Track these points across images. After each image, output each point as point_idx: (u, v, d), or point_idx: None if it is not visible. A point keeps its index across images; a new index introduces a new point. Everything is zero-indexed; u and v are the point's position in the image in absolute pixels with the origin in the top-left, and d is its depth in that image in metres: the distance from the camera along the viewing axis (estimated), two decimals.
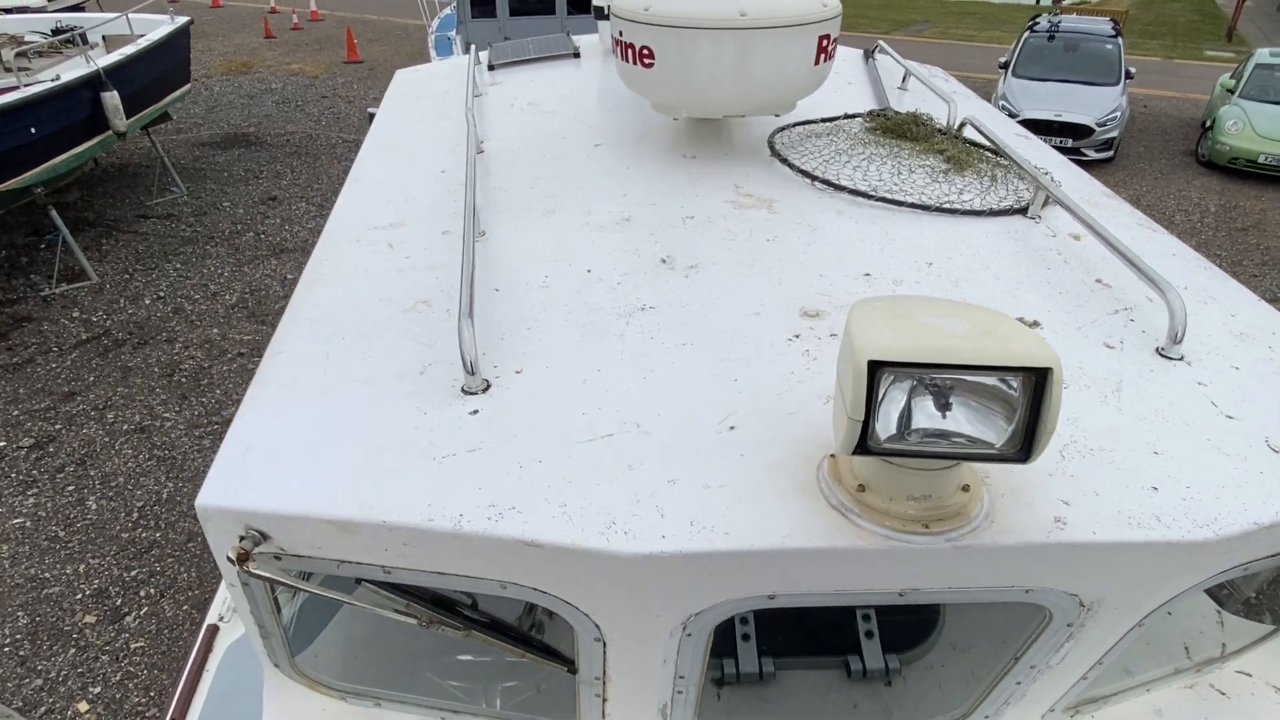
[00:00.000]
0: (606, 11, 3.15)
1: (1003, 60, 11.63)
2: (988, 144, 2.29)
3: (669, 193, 2.16)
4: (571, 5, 9.99)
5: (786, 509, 1.23)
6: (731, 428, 1.37)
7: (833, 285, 1.75)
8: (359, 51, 15.15)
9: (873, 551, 1.18)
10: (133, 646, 3.95)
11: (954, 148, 2.25)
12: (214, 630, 2.27)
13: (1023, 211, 2.07)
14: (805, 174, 2.19)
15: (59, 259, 7.27)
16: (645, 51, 2.17)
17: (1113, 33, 11.33)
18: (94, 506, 4.81)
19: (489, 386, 1.47)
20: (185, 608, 4.16)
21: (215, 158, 10.16)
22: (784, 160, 2.27)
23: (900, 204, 2.06)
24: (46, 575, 4.33)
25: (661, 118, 2.63)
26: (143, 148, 9.85)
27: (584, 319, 1.66)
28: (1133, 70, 11.07)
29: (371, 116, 2.96)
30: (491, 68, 3.27)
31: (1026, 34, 11.46)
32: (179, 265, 7.60)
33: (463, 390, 1.46)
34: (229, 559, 1.26)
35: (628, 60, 2.25)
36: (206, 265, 7.62)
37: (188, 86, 9.48)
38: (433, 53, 9.61)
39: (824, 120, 2.51)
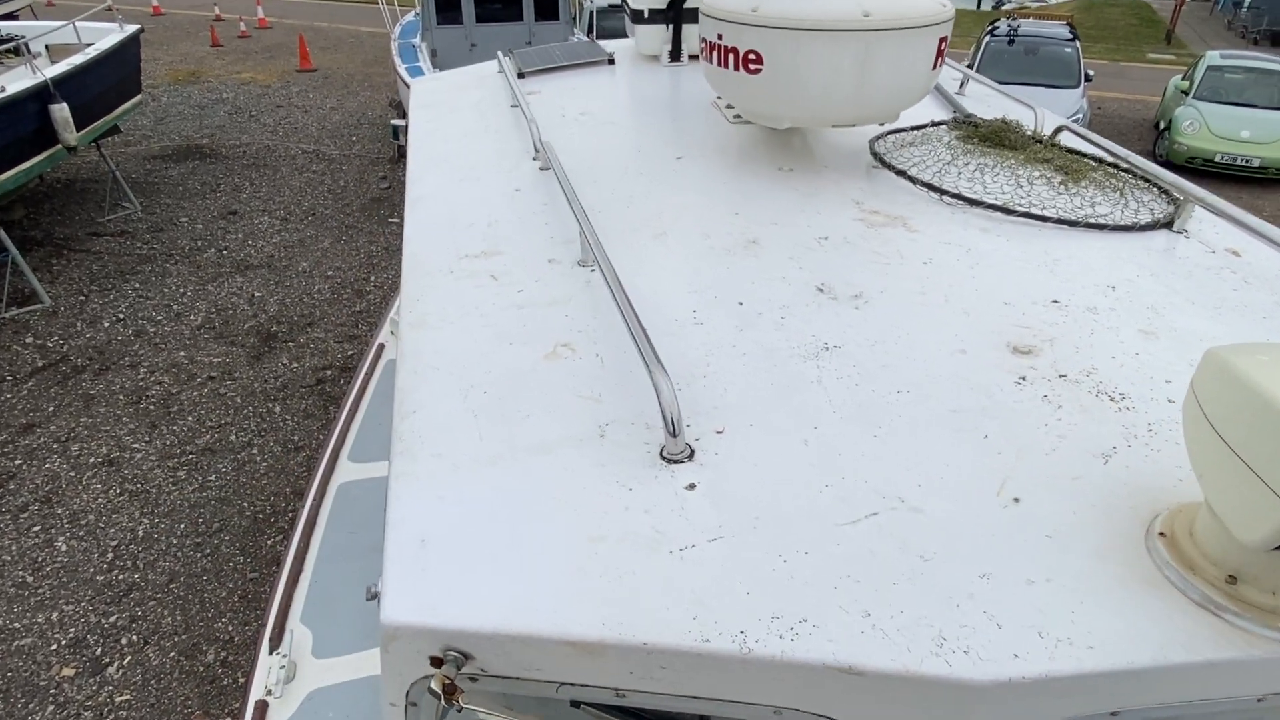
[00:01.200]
0: (646, 14, 3.01)
1: (964, 65, 11.74)
2: (1089, 152, 2.18)
3: (786, 210, 2.00)
4: (538, 12, 9.83)
5: (1144, 609, 1.02)
6: (1016, 500, 1.18)
7: (1025, 315, 1.58)
8: (312, 60, 14.75)
9: (1261, 660, 0.97)
10: (118, 700, 3.67)
11: (1060, 157, 2.14)
12: (264, 707, 2.07)
13: (1168, 225, 1.94)
14: (932, 188, 2.05)
15: (7, 281, 6.86)
16: (751, 56, 2.01)
17: (1070, 36, 11.53)
18: (64, 548, 4.49)
19: (693, 453, 1.27)
20: (172, 655, 3.89)
21: (168, 171, 9.75)
22: (901, 173, 2.12)
23: (1045, 219, 1.91)
24: (16, 625, 4.02)
25: (735, 128, 2.50)
26: (90, 162, 9.40)
27: (764, 362, 1.47)
28: (1090, 73, 11.28)
29: (397, 130, 2.79)
30: (521, 75, 3.09)
31: (987, 38, 11.61)
32: (138, 285, 7.24)
33: (664, 457, 1.26)
34: (433, 691, 1.01)
35: (726, 65, 2.08)
36: (167, 284, 7.27)
37: (139, 97, 9.08)
38: (397, 60, 9.35)
39: (914, 128, 2.36)
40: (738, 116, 2.53)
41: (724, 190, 2.10)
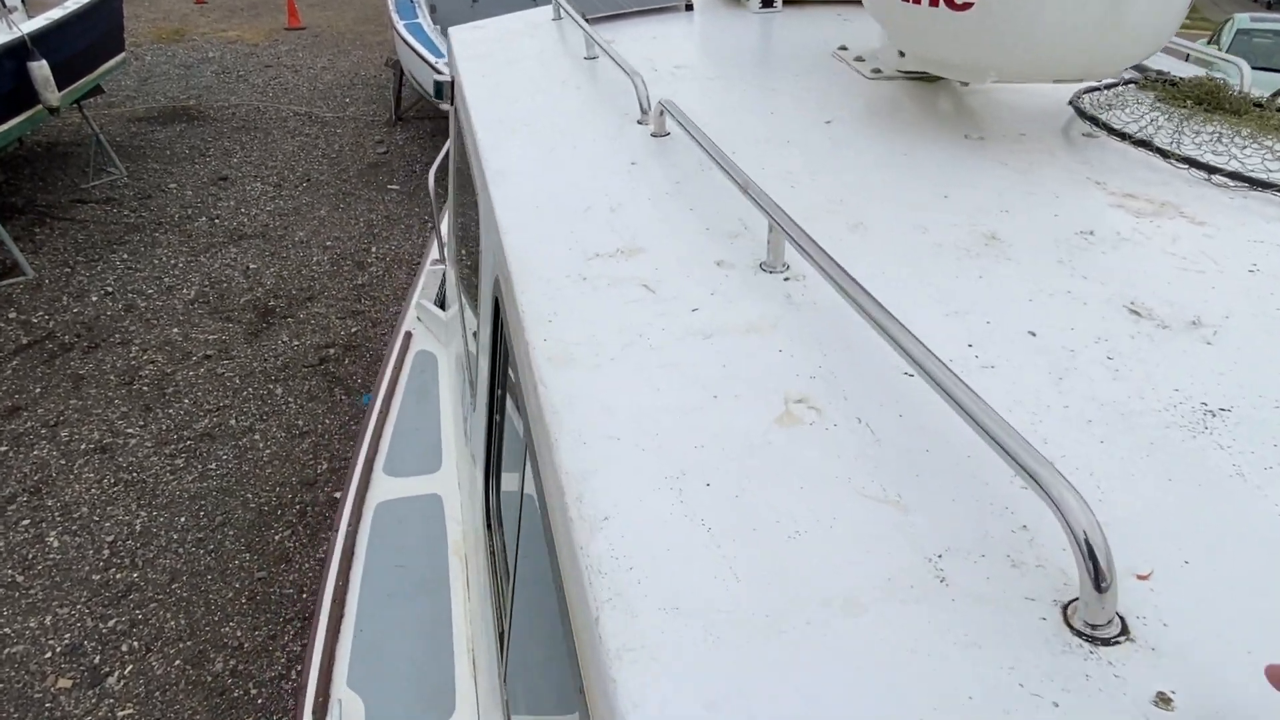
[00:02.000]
0: None
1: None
2: None
3: (1009, 193, 1.56)
4: None
5: None
6: None
7: None
8: (301, 17, 14.16)
9: None
10: (120, 715, 3.40)
11: None
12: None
13: None
14: (1197, 165, 1.61)
15: None
16: None
17: None
18: (55, 544, 4.20)
19: (1125, 625, 0.74)
20: (177, 663, 3.62)
21: (155, 134, 9.29)
22: (1144, 144, 1.68)
23: None
24: (7, 631, 3.74)
25: (875, 85, 2.09)
26: (71, 124, 8.94)
27: (1129, 438, 0.96)
28: None
29: (440, 87, 2.43)
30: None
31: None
32: (126, 256, 6.86)
33: (1078, 630, 0.73)
34: None
35: (921, 2, 1.70)
36: (157, 255, 6.89)
37: (122, 55, 8.59)
38: (394, 16, 8.88)
39: (1107, 86, 1.95)
40: (877, 71, 2.12)
41: (909, 165, 1.67)
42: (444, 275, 3.57)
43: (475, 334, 2.31)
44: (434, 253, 3.77)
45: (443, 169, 3.50)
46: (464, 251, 2.64)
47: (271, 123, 9.77)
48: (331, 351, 5.74)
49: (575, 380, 1.07)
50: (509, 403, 1.63)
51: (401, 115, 9.85)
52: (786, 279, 1.28)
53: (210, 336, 5.87)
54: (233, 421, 5.07)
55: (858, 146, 1.77)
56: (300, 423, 5.08)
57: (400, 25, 8.58)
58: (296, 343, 5.83)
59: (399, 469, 2.53)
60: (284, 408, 5.19)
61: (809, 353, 1.11)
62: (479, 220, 1.87)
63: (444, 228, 3.77)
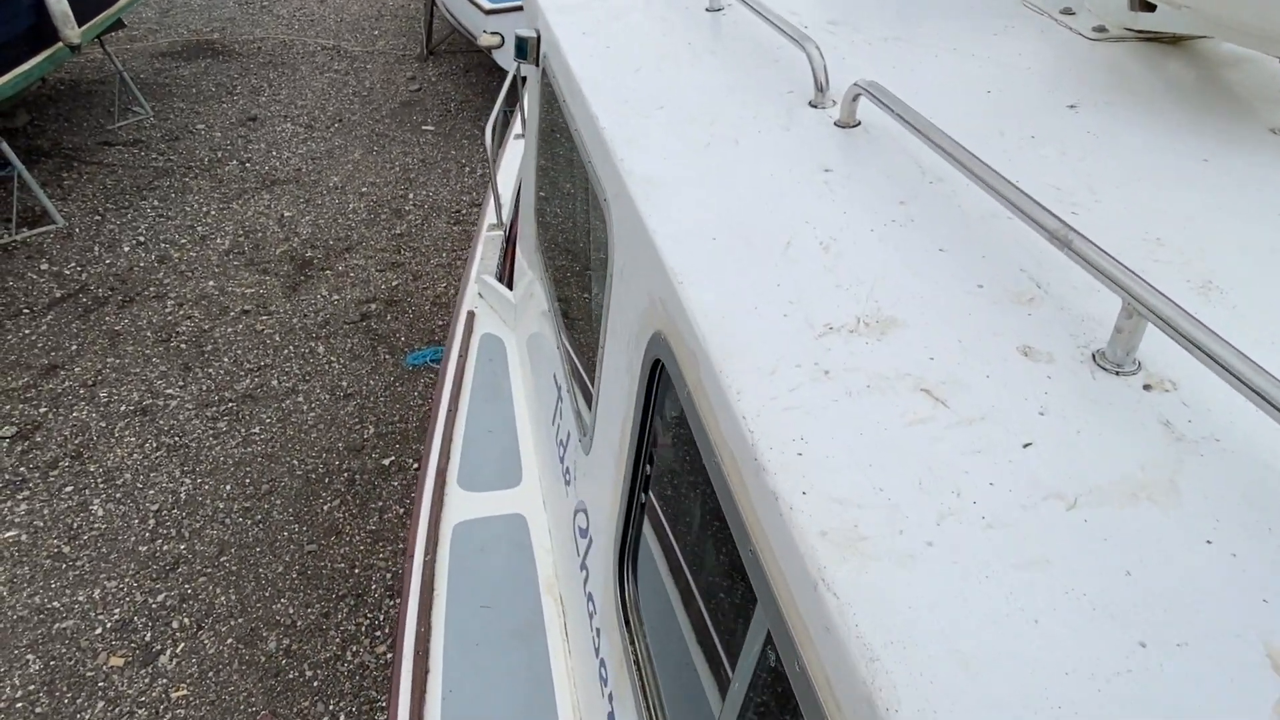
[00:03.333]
0: None
1: None
2: None
3: None
4: None
5: None
6: None
7: None
8: None
9: None
10: (174, 696, 3.31)
11: None
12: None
13: None
14: None
15: (15, 199, 6.26)
16: None
17: None
18: (100, 512, 4.08)
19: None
20: (229, 641, 3.51)
21: (179, 71, 8.96)
22: None
23: None
24: (55, 605, 3.64)
25: (1105, 49, 1.67)
26: (94, 61, 8.62)
27: None
28: None
29: (523, 45, 2.11)
30: None
31: None
32: (156, 203, 6.63)
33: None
34: None
35: None
36: (188, 202, 6.66)
37: None
38: None
39: None
40: (1100, 30, 1.71)
41: (1219, 177, 1.23)
42: (504, 246, 3.30)
43: (573, 362, 2.02)
44: (490, 215, 3.49)
45: (499, 124, 3.19)
46: (543, 227, 2.36)
47: (299, 57, 9.39)
48: (373, 307, 5.52)
49: (872, 587, 0.66)
50: (668, 506, 1.37)
51: (433, 49, 9.42)
52: (1147, 387, 0.85)
53: (247, 290, 5.66)
54: (274, 382, 4.90)
55: (1129, 144, 1.35)
56: (344, 384, 4.89)
57: None
58: (336, 297, 5.61)
59: (475, 481, 2.29)
60: (327, 368, 5.00)
61: (1259, 550, 0.64)
62: (606, 230, 1.55)
63: (501, 187, 3.48)
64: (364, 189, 6.91)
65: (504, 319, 2.84)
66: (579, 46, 1.87)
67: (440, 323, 5.41)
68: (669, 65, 1.76)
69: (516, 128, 4.25)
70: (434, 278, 5.84)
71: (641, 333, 1.31)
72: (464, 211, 6.64)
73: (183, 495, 4.17)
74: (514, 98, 3.73)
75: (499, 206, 3.37)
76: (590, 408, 1.73)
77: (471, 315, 2.86)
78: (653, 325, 1.24)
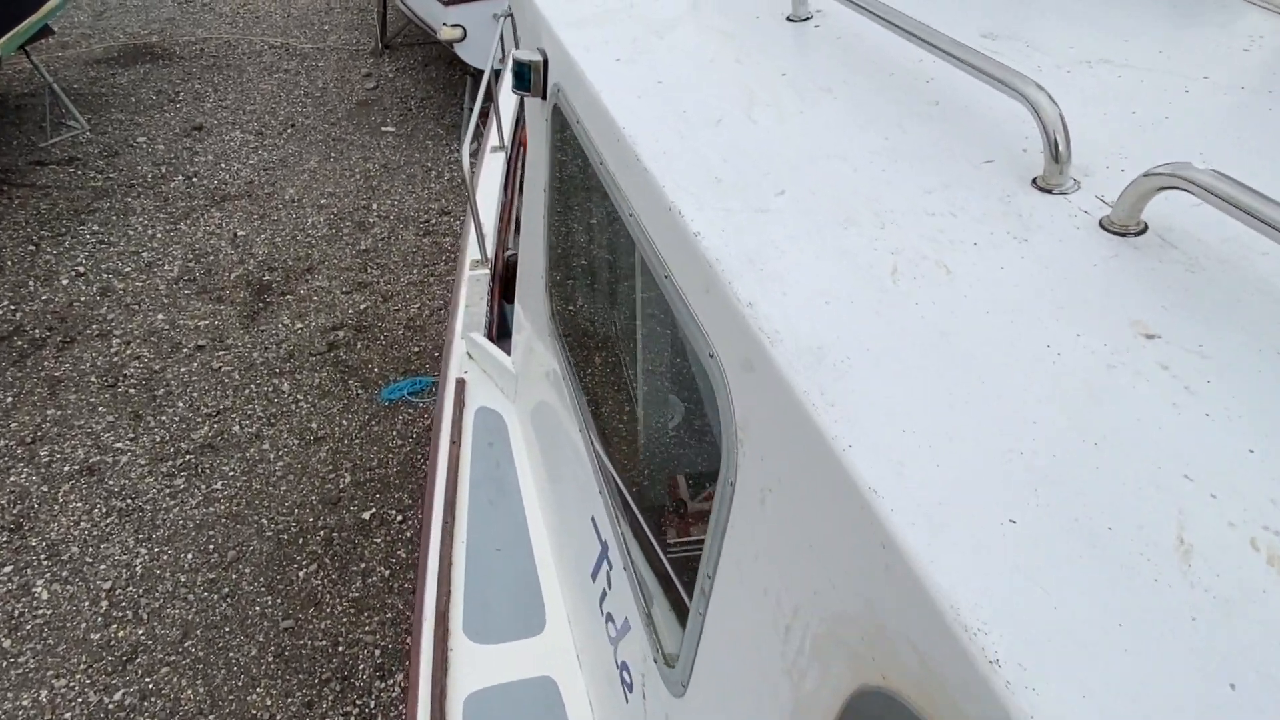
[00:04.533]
0: None
1: None
2: None
3: None
4: None
5: None
6: None
7: None
8: None
9: None
10: None
11: None
12: None
13: None
14: None
15: None
16: None
17: None
18: (45, 595, 3.62)
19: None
20: None
21: (116, 78, 8.33)
22: None
23: None
24: None
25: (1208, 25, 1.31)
26: (21, 73, 7.98)
27: None
28: None
29: (525, 72, 1.67)
30: None
31: None
32: (96, 227, 6.08)
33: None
34: None
35: None
36: (132, 225, 6.12)
37: None
38: None
39: None
40: None
41: None
42: (490, 287, 2.85)
43: (633, 532, 1.52)
44: (471, 248, 3.04)
45: (473, 139, 2.76)
46: (557, 278, 1.92)
47: (245, 58, 8.79)
48: (341, 335, 5.06)
49: None
50: None
51: (389, 43, 8.87)
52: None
53: (201, 322, 5.17)
54: (236, 428, 4.43)
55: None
56: (314, 425, 4.44)
57: None
58: (300, 325, 5.14)
59: (487, 628, 1.83)
60: (293, 408, 4.55)
61: None
62: (723, 419, 1.05)
63: (482, 214, 3.03)
64: (323, 200, 6.40)
65: (501, 388, 2.42)
66: (617, 84, 1.38)
67: (416, 349, 4.97)
68: (766, 112, 1.24)
69: (492, 138, 3.81)
70: (406, 297, 5.38)
71: (825, 653, 0.82)
72: (433, 221, 6.17)
73: (138, 569, 3.72)
74: (482, 101, 3.27)
75: (482, 240, 2.93)
76: (684, 632, 1.22)
77: (461, 385, 2.41)
78: (860, 671, 0.77)
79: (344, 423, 4.46)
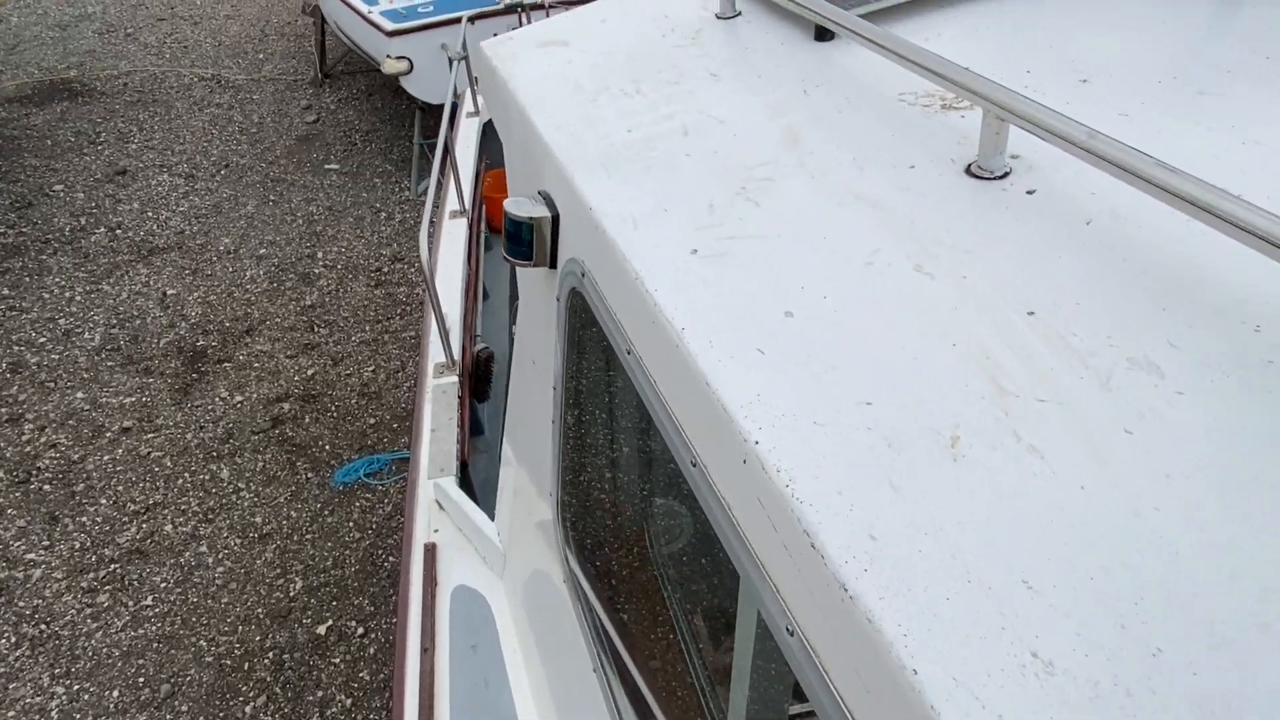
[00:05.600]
0: None
1: None
2: None
3: None
4: None
5: None
6: None
7: None
8: None
9: None
10: None
11: None
12: None
13: None
14: None
15: None
16: None
17: None
18: None
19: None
20: None
21: (30, 119, 7.68)
22: None
23: None
24: None
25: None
26: None
27: None
28: None
29: (521, 232, 1.26)
30: None
31: None
32: (6, 291, 5.48)
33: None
34: None
35: None
36: (47, 286, 5.53)
37: None
38: None
39: None
40: None
41: None
42: (459, 400, 2.39)
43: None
44: (433, 349, 2.56)
45: (430, 216, 2.31)
46: (571, 502, 1.47)
47: (173, 92, 8.19)
48: (286, 408, 4.55)
49: None
50: None
51: (328, 72, 8.34)
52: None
53: (126, 400, 4.62)
54: (169, 527, 3.90)
55: None
56: (258, 519, 3.93)
57: None
58: (239, 398, 4.61)
59: None
60: (235, 499, 4.03)
61: None
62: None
63: (446, 304, 2.57)
64: (262, 250, 5.87)
65: (483, 555, 1.94)
66: (627, 222, 1.13)
67: (372, 420, 4.48)
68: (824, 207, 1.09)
69: (450, 199, 3.35)
70: (358, 359, 4.88)
71: None
72: (385, 269, 5.68)
73: (54, 713, 3.18)
74: (439, 166, 2.81)
75: (446, 339, 2.47)
76: None
77: (432, 554, 1.92)
78: None
79: (293, 514, 3.95)
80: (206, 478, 4.14)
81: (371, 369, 4.82)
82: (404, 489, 4.07)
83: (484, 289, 3.31)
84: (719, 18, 1.60)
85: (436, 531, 2.01)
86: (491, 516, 1.97)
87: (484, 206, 3.55)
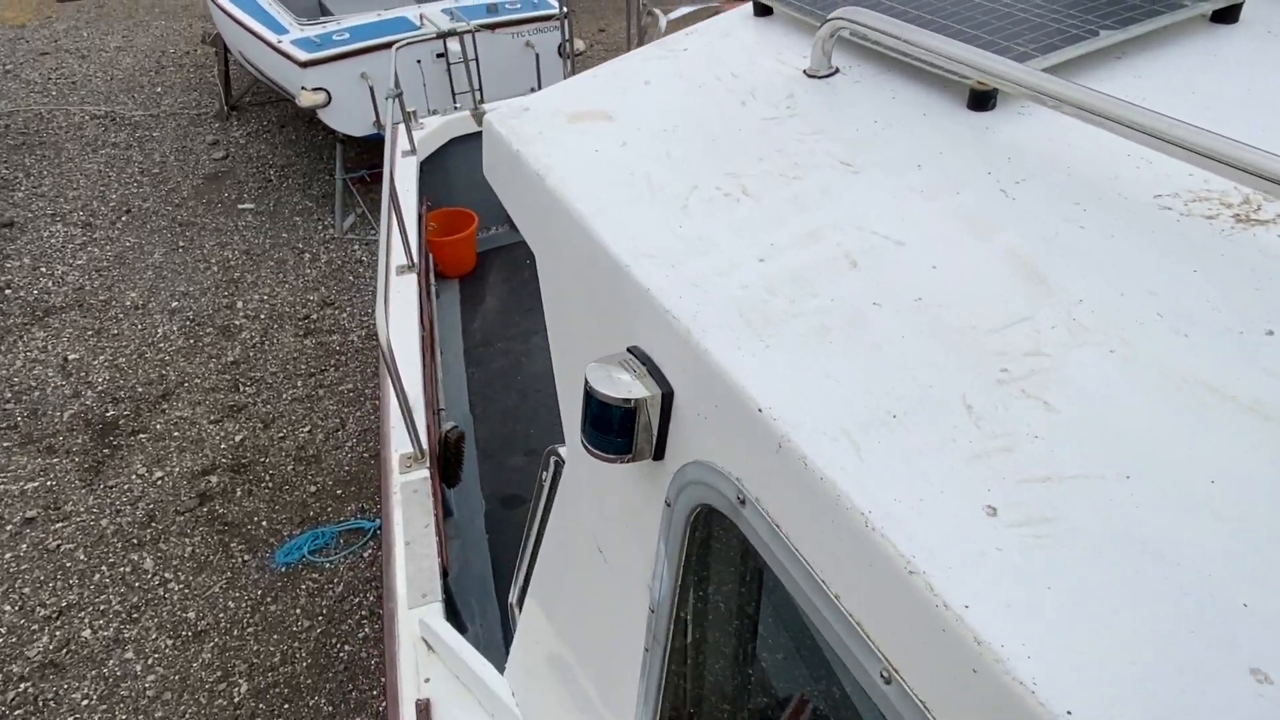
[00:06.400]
0: None
1: None
2: None
3: None
4: None
5: None
6: None
7: None
8: None
9: None
10: None
11: None
12: None
13: None
14: None
15: None
16: None
17: None
18: None
19: None
20: None
21: None
22: None
23: None
24: None
25: None
26: None
27: None
28: None
29: (603, 408, 0.93)
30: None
31: None
32: None
33: None
34: None
35: None
36: None
37: None
38: None
39: None
40: None
41: None
42: (432, 494, 2.05)
43: None
44: (398, 439, 2.21)
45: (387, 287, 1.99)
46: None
47: (63, 132, 7.56)
48: (214, 481, 4.11)
49: None
50: None
51: (235, 104, 7.83)
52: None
53: (28, 485, 4.11)
54: (87, 632, 3.44)
55: None
56: (191, 615, 3.50)
57: None
58: (160, 474, 4.15)
59: None
60: (162, 593, 3.59)
61: None
62: None
63: (410, 386, 2.24)
64: (174, 303, 5.38)
65: (481, 703, 1.62)
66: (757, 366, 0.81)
67: (312, 487, 4.08)
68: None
69: (395, 250, 3.02)
70: (292, 419, 4.47)
71: None
72: (314, 316, 5.26)
73: None
74: (387, 221, 2.49)
75: (413, 428, 2.13)
76: None
77: (426, 712, 1.59)
78: None
79: (230, 605, 3.53)
80: (127, 570, 3.69)
81: (308, 429, 4.41)
82: (354, 565, 3.70)
83: (438, 346, 2.99)
84: (810, 76, 1.24)
85: (428, 681, 1.69)
86: (484, 650, 1.65)
87: (430, 256, 3.23)
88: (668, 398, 0.92)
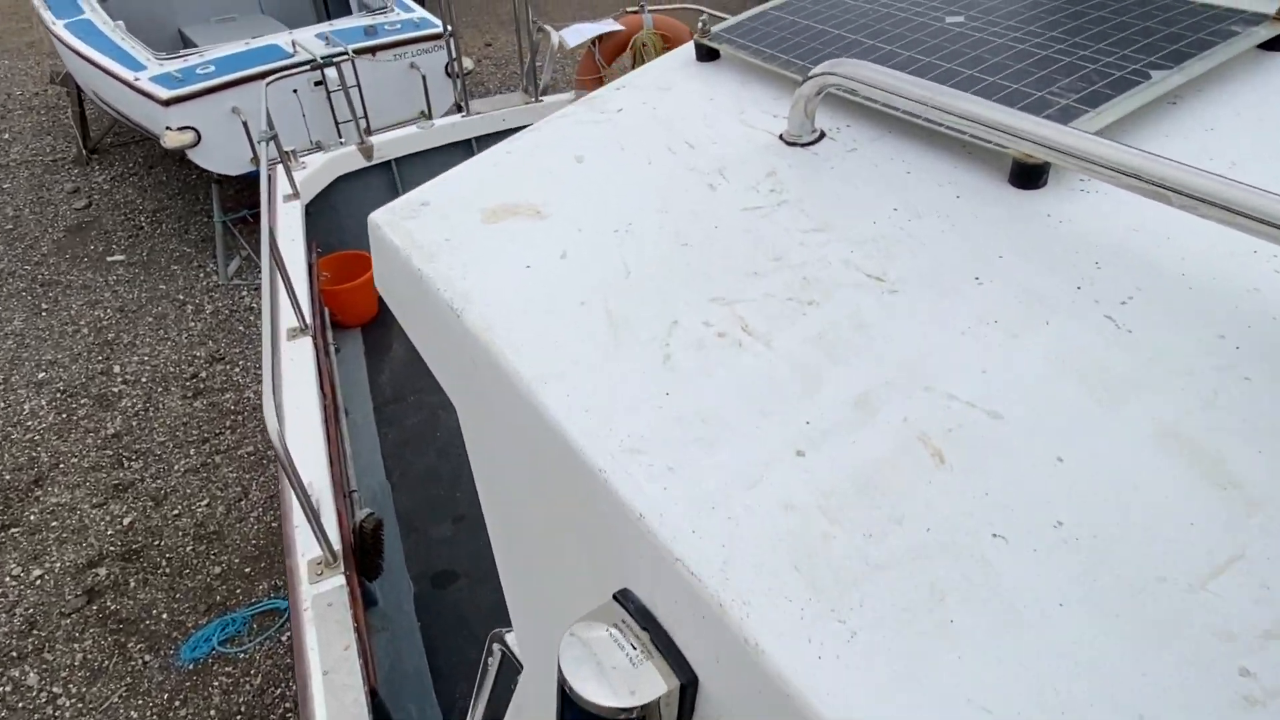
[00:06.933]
0: None
1: None
2: None
3: None
4: None
5: None
6: None
7: None
8: None
9: None
10: None
11: None
12: None
13: None
14: None
15: None
16: None
17: None
18: None
19: None
20: None
21: None
22: None
23: None
24: None
25: None
26: None
27: None
28: None
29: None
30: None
31: None
32: None
33: None
34: None
35: None
36: None
37: None
38: (46, 15, 6.23)
39: None
40: None
41: None
42: (366, 653, 1.79)
43: None
44: (305, 544, 1.93)
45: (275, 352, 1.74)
46: None
47: None
48: (102, 574, 3.70)
49: None
50: None
51: (94, 147, 7.23)
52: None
53: None
54: None
55: None
56: None
57: (60, 28, 6.01)
58: (38, 572, 3.71)
59: None
60: (50, 711, 3.18)
61: None
62: None
63: (313, 478, 1.98)
64: (41, 374, 4.87)
65: None
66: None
67: (216, 568, 3.71)
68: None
69: (285, 313, 2.73)
70: (187, 494, 4.08)
71: None
72: (202, 374, 4.85)
73: None
74: (270, 274, 2.22)
75: (322, 534, 1.87)
76: None
77: None
78: None
79: (133, 716, 3.16)
80: (7, 689, 3.26)
81: (205, 502, 4.03)
82: (272, 652, 3.37)
83: (342, 410, 2.72)
84: (790, 143, 0.98)
85: None
86: None
87: (325, 310, 2.95)
88: (689, 689, 0.61)
